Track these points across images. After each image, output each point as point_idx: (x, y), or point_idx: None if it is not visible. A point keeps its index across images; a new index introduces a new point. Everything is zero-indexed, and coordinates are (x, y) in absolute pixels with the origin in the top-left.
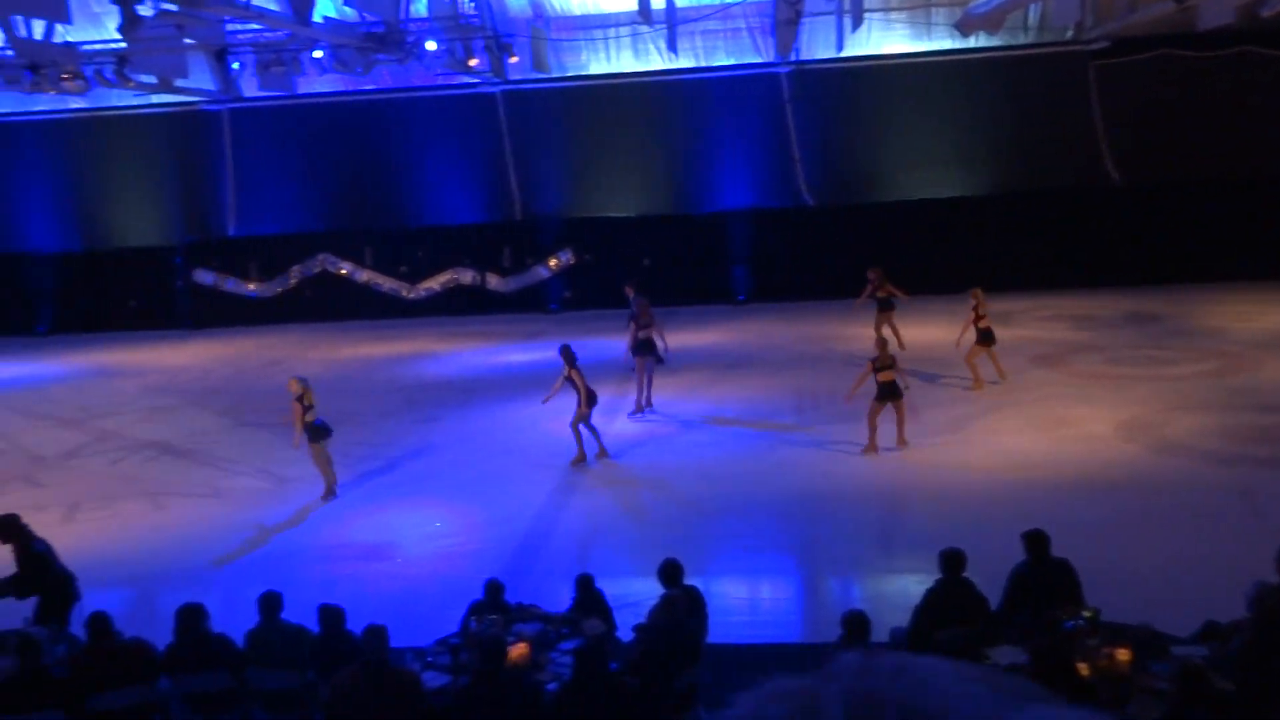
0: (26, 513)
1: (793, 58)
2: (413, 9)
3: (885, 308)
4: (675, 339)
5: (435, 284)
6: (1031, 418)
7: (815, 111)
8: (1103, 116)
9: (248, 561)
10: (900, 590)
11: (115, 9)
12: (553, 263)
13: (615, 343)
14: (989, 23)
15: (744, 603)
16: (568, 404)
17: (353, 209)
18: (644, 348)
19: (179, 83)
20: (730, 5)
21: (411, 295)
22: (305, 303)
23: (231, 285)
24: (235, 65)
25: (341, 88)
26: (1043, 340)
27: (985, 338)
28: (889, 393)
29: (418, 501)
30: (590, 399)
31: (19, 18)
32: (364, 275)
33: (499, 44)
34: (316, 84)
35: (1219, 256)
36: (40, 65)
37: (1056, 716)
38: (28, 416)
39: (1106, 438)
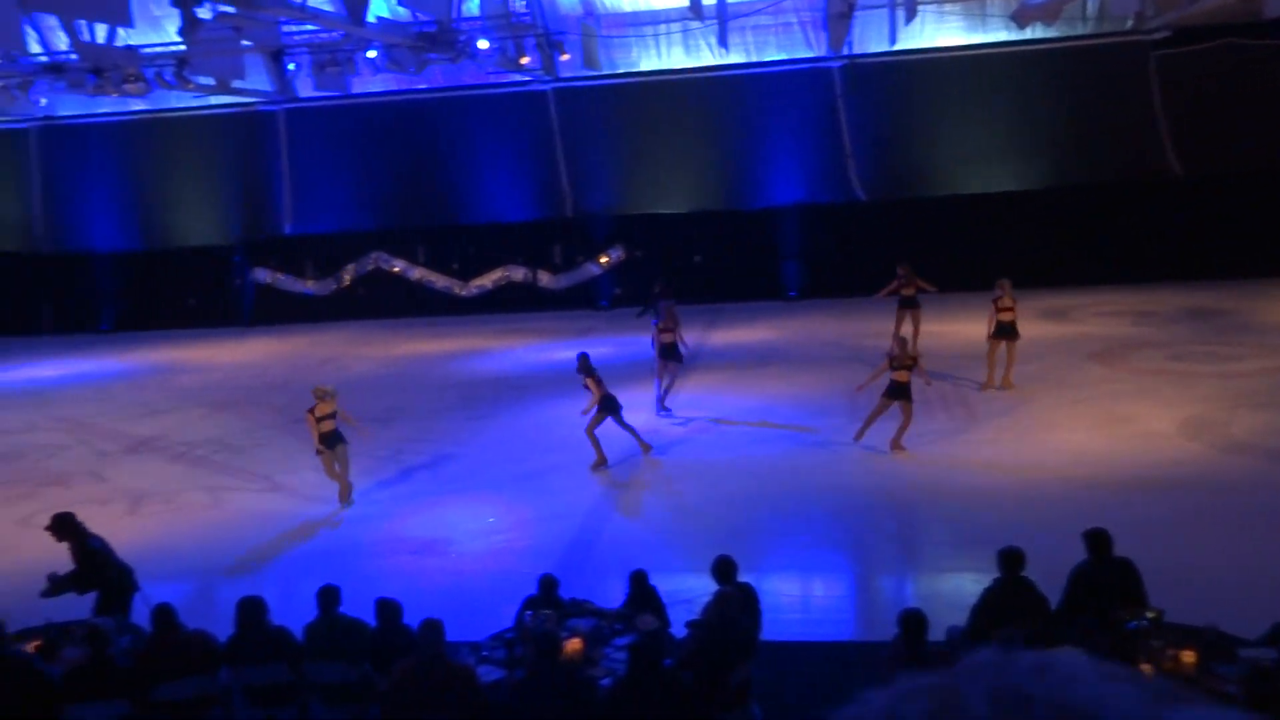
0: (93, 506)
1: (845, 52)
2: (465, 8)
3: (909, 305)
4: (724, 335)
5: (487, 281)
6: (1090, 415)
7: (868, 106)
8: (1164, 108)
9: (304, 555)
10: (956, 589)
11: (175, 12)
12: (603, 259)
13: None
14: (1046, 14)
15: (796, 600)
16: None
17: (405, 207)
18: (667, 351)
19: (236, 84)
20: None
21: (464, 292)
22: (359, 300)
23: (287, 283)
24: (291, 66)
25: (394, 87)
26: (1101, 336)
27: (1002, 331)
28: (897, 392)
29: (470, 497)
30: (608, 404)
31: (82, 22)
32: (417, 273)
33: (550, 42)
34: (370, 84)
35: None
36: (103, 68)
37: (1209, 718)
38: (93, 412)
39: (1168, 436)
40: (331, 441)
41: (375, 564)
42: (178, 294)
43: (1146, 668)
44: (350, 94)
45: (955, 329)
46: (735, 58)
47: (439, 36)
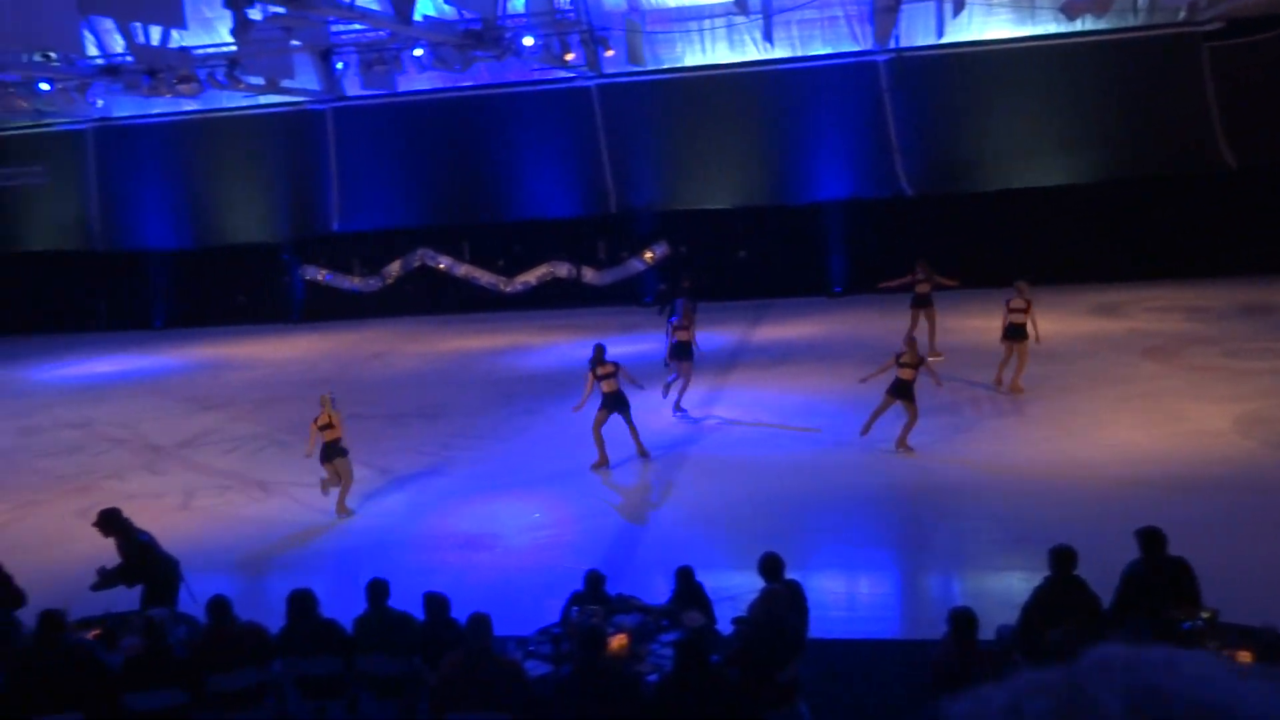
0: (146, 500)
1: (891, 45)
2: (510, 5)
3: (922, 303)
4: (769, 331)
5: (531, 277)
6: (1143, 412)
7: (915, 100)
8: (1217, 99)
9: (351, 549)
10: (1005, 588)
11: (227, 13)
12: (648, 255)
13: (711, 335)
14: (1096, 5)
15: (842, 597)
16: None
17: (451, 204)
18: (682, 351)
19: (285, 83)
20: None
21: (508, 289)
22: (405, 296)
23: (334, 279)
24: (339, 65)
25: (440, 85)
26: (1154, 332)
27: (1009, 333)
28: (899, 390)
29: (515, 492)
30: (611, 402)
31: (138, 25)
32: (462, 269)
33: (594, 38)
34: (416, 82)
35: None
36: (157, 70)
37: None
38: (146, 408)
39: (1223, 433)
40: (330, 454)
41: (422, 558)
42: (228, 291)
43: None
44: (397, 92)
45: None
46: (780, 52)
47: (485, 34)
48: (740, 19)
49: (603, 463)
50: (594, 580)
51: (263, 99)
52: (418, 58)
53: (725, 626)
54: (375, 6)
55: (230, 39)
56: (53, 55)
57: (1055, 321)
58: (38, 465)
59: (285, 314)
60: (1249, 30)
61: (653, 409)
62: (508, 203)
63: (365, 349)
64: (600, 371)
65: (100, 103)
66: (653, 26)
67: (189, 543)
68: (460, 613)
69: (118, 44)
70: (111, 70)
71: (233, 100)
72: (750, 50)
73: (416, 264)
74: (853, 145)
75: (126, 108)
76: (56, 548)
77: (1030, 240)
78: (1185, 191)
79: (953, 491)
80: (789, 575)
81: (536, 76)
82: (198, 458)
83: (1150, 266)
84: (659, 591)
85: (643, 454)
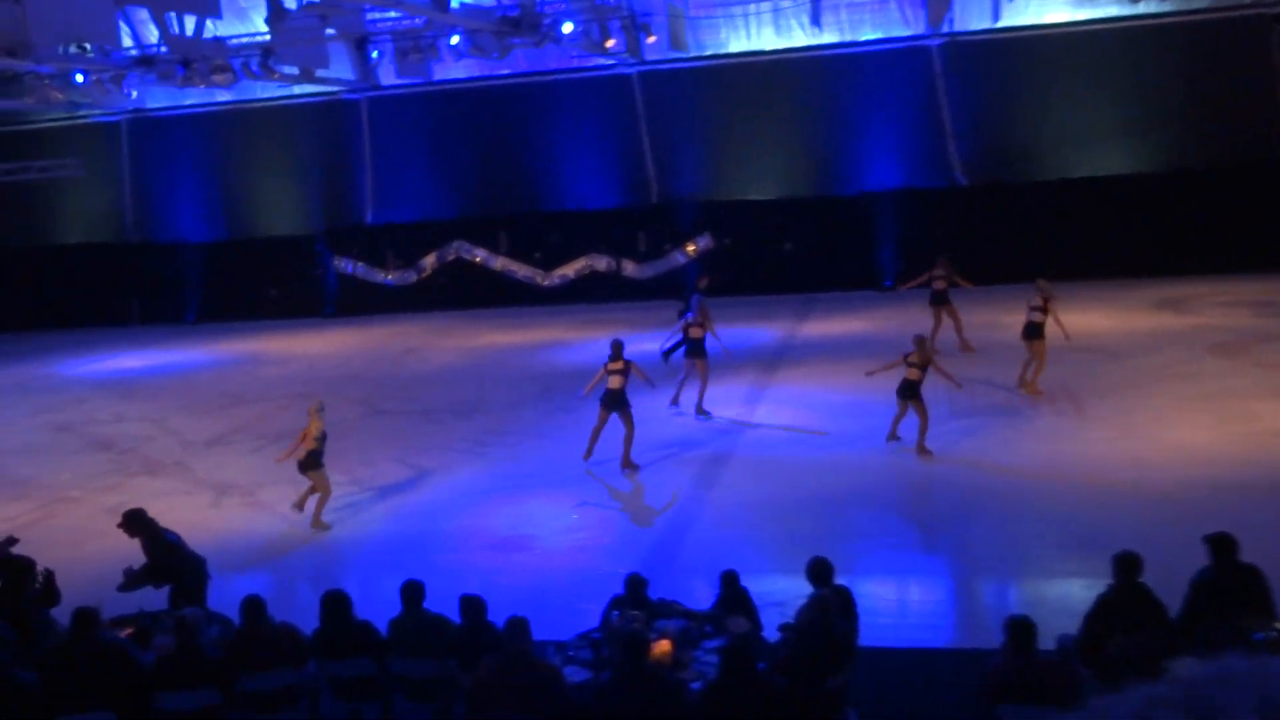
0: (178, 497)
1: (945, 29)
2: None
3: (940, 301)
4: (816, 327)
5: (570, 271)
6: (1210, 411)
7: (969, 86)
8: None
9: (384, 549)
10: (1064, 595)
11: (262, 2)
12: (690, 248)
13: (755, 330)
14: None
15: (892, 604)
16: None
17: (487, 195)
18: (697, 349)
19: (320, 73)
20: None
21: (546, 282)
22: (440, 290)
23: (366, 272)
24: (374, 54)
25: (477, 73)
26: (1222, 328)
27: (1026, 332)
28: (907, 391)
29: (551, 492)
30: (610, 401)
31: (172, 15)
32: (498, 262)
33: (636, 24)
34: (453, 70)
35: None
36: (192, 60)
37: None
38: (178, 403)
39: None
40: (310, 464)
41: (456, 559)
42: (260, 284)
43: None
44: (433, 81)
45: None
46: (829, 37)
47: (523, 20)
48: (786, 3)
49: (587, 455)
50: (635, 584)
51: (297, 89)
52: (454, 45)
53: (771, 633)
54: None
55: (265, 28)
56: (88, 46)
57: (1116, 317)
58: (69, 462)
59: (318, 308)
60: None
61: (679, 412)
62: (545, 194)
63: (399, 344)
64: (611, 367)
65: (134, 94)
66: (696, 12)
67: (221, 541)
68: (497, 616)
69: (152, 34)
70: (146, 61)
71: (267, 90)
72: (797, 35)
73: (451, 257)
74: (904, 133)
75: (160, 99)
76: (88, 545)
77: (1090, 232)
78: (1253, 180)
79: (1007, 494)
80: (838, 580)
81: (576, 64)
82: (229, 455)
83: (1216, 259)
84: (702, 596)
85: (628, 465)
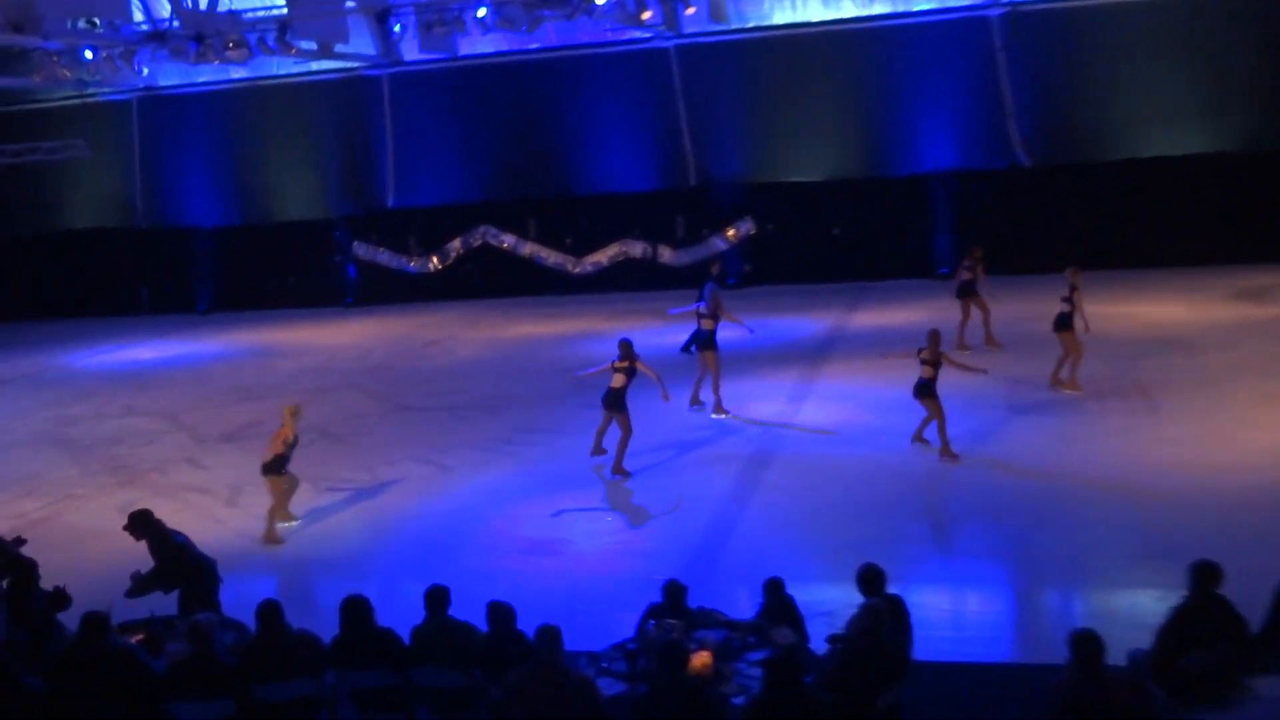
0: (192, 495)
1: None
2: None
3: (966, 292)
4: (867, 317)
5: (603, 257)
6: None
7: (1032, 59)
8: None
9: (407, 552)
10: (1134, 606)
11: None
12: (730, 233)
13: (801, 321)
14: None
15: (947, 615)
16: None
17: (515, 177)
18: (708, 341)
19: (339, 48)
20: None
21: (577, 270)
22: (465, 278)
23: (388, 259)
24: (396, 28)
25: (505, 47)
26: None
27: (1056, 324)
28: (921, 390)
29: (584, 492)
30: (610, 400)
31: None
32: (527, 248)
33: None
34: (479, 44)
35: None
36: (205, 35)
37: None
38: (190, 397)
39: None
40: (275, 468)
41: (483, 563)
42: (276, 272)
43: None
44: (458, 56)
45: (1138, 310)
46: (880, 8)
47: None
48: None
49: (594, 452)
50: (673, 591)
51: (315, 65)
52: (481, 18)
53: (818, 645)
54: None
55: (282, 1)
56: (97, 21)
57: (1192, 308)
58: (78, 457)
59: (337, 297)
60: None
61: (702, 411)
62: (577, 176)
63: (422, 335)
64: (617, 365)
65: (145, 71)
66: None
67: (236, 542)
68: (526, 624)
69: (164, 9)
70: (157, 36)
71: (283, 67)
72: (846, 6)
73: (477, 242)
74: (961, 110)
75: (172, 76)
76: (97, 544)
77: (1162, 216)
78: None
79: (1072, 498)
80: (890, 589)
81: (610, 37)
82: (244, 451)
83: None
84: (744, 605)
85: (618, 471)
